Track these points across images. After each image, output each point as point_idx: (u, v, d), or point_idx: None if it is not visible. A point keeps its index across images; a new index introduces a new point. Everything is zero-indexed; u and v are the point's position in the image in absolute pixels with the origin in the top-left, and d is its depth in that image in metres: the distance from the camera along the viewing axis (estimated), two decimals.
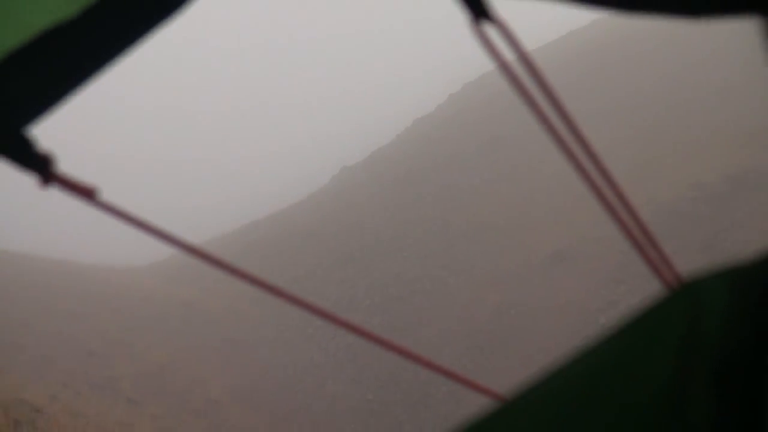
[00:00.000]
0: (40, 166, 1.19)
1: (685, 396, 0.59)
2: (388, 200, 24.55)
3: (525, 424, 0.65)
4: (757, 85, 19.87)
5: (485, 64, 27.37)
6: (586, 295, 17.09)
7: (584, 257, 18.11)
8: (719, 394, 0.58)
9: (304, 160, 42.62)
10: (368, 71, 57.14)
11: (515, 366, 15.12)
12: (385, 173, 26.88)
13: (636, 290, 14.52)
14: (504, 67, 1.18)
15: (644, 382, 0.60)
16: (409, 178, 25.51)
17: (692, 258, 15.40)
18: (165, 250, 25.96)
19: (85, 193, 1.26)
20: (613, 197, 1.27)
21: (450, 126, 28.63)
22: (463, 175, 24.33)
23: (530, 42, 29.94)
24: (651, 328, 0.61)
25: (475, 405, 14.57)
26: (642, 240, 1.30)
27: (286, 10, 66.39)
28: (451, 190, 23.71)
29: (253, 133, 54.63)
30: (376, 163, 28.86)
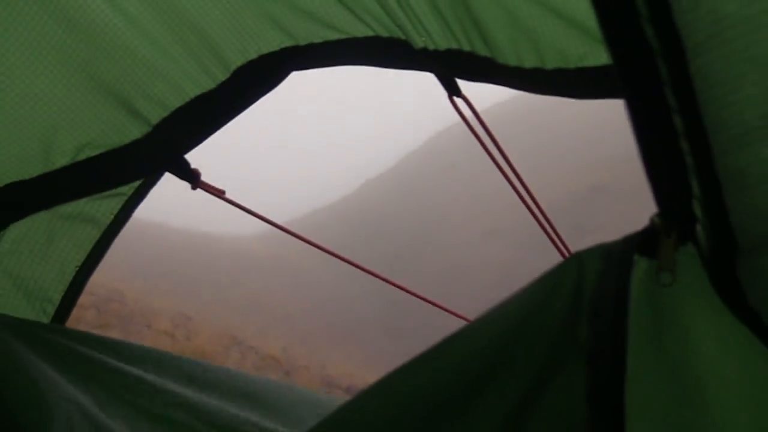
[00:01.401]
0: (192, 177, 1.19)
1: (576, 325, 0.58)
2: (392, 200, 24.55)
3: (468, 349, 0.62)
4: (613, 135, 19.68)
5: (451, 120, 27.17)
6: (508, 258, 17.08)
7: (507, 234, 18.08)
8: (597, 324, 0.58)
9: (343, 174, 42.55)
10: (376, 123, 57.09)
11: (466, 300, 15.10)
12: (389, 184, 26.85)
13: (540, 256, 14.44)
14: (468, 124, 1.18)
15: (549, 320, 0.60)
16: (404, 187, 25.50)
17: (567, 238, 15.24)
18: (261, 225, 25.87)
19: (218, 193, 1.25)
20: (527, 197, 1.25)
21: (428, 157, 28.56)
22: (435, 184, 24.31)
23: (498, 94, 28.28)
24: (552, 284, 0.60)
25: (447, 318, 14.54)
26: (545, 225, 1.28)
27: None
28: (429, 194, 23.70)
29: (308, 156, 54.74)
30: (385, 179, 28.81)
